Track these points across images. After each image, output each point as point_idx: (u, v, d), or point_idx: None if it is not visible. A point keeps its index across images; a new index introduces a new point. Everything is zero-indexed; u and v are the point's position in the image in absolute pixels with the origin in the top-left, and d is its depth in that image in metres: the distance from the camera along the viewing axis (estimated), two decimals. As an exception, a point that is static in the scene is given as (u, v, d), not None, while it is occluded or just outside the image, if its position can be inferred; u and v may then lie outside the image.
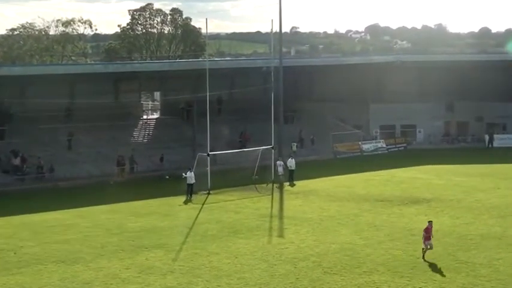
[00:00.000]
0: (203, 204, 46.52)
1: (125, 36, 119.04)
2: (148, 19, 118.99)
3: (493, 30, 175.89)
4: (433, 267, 30.31)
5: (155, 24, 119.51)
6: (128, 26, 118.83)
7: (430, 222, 32.86)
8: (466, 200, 45.43)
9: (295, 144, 67.45)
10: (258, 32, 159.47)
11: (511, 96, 74.09)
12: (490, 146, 73.60)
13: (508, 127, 75.46)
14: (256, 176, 52.80)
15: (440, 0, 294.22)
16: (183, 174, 49.22)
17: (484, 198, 45.80)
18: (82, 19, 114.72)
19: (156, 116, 75.92)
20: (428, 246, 31.49)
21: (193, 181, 49.11)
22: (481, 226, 37.80)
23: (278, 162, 53.56)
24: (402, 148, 73.50)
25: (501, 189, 49.54)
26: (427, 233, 32.05)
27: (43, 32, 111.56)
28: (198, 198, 48.57)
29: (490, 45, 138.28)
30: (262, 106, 59.37)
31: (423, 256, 31.21)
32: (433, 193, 48.12)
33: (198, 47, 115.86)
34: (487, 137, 74.35)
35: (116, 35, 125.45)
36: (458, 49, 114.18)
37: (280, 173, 52.91)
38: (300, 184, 52.92)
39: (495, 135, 74.32)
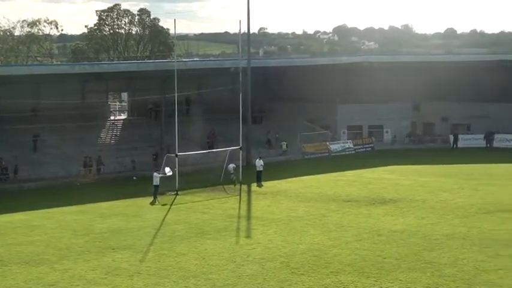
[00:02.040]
0: (171, 205, 46.39)
1: (92, 36, 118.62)
2: (115, 20, 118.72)
3: (458, 31, 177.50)
4: (399, 267, 30.45)
5: (123, 25, 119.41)
6: (95, 27, 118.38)
7: None
8: (431, 201, 45.73)
9: (285, 143, 67.85)
10: (226, 33, 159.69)
11: (475, 96, 74.79)
12: (454, 146, 74.25)
13: (472, 128, 76.11)
14: (234, 178, 52.84)
15: (406, 1, 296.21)
16: (166, 171, 49.14)
17: (448, 199, 46.16)
18: (48, 20, 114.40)
19: (123, 116, 75.62)
20: None
21: (158, 183, 48.63)
22: (445, 226, 38.04)
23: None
24: (369, 148, 73.85)
25: (465, 189, 49.92)
26: None
27: (8, 33, 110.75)
28: (165, 198, 48.41)
29: (455, 46, 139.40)
30: (230, 107, 59.44)
31: None
32: (399, 193, 48.39)
33: (166, 47, 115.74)
34: (452, 138, 74.98)
35: (82, 35, 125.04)
36: (425, 50, 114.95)
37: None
38: (267, 185, 52.94)
39: (460, 136, 74.91)
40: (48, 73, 64.42)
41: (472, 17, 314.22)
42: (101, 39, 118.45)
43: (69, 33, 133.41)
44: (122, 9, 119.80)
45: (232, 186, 51.93)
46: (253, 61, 66.38)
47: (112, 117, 73.48)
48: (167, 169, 49.02)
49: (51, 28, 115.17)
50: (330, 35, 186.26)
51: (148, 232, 38.27)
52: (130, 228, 39.82)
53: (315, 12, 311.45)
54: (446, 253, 32.44)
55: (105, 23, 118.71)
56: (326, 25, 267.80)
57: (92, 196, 49.91)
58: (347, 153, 71.83)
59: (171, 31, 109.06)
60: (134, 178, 55.64)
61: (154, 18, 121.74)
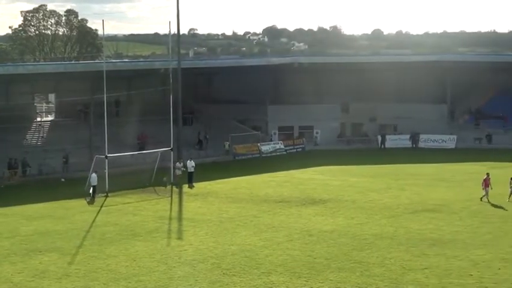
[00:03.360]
0: (101, 207, 45.96)
1: (17, 38, 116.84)
2: (41, 20, 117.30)
3: (385, 32, 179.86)
4: (329, 267, 30.80)
5: (49, 26, 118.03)
6: (20, 28, 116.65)
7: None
8: (360, 201, 46.33)
9: (227, 143, 68.00)
10: (156, 34, 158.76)
11: (402, 97, 75.98)
12: (382, 146, 75.21)
13: (399, 128, 77.28)
14: (165, 178, 52.66)
15: (334, 3, 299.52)
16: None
17: (376, 199, 46.82)
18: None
19: (50, 118, 74.61)
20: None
21: (96, 183, 48.90)
22: (374, 226, 38.60)
23: (177, 164, 53.53)
24: (300, 149, 74.33)
25: (392, 189, 50.67)
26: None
27: None
28: (95, 200, 48.03)
29: (382, 47, 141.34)
30: (161, 108, 59.14)
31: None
32: (329, 194, 48.88)
33: (95, 48, 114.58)
34: (379, 138, 75.99)
35: (6, 36, 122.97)
36: (353, 51, 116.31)
37: (178, 174, 52.88)
38: (199, 186, 52.89)
39: (387, 136, 75.98)
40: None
41: (397, 19, 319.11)
42: (26, 40, 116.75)
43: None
44: (48, 9, 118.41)
45: (163, 187, 51.75)
46: (183, 62, 66.05)
47: (38, 119, 72.40)
48: (93, 175, 48.81)
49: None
50: (260, 36, 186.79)
51: (77, 234, 37.89)
52: (58, 230, 39.34)
53: (245, 13, 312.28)
54: (375, 253, 32.95)
55: (31, 24, 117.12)
56: (256, 26, 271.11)
57: (18, 198, 49.24)
58: (278, 154, 72.16)
59: (100, 32, 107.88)
60: (62, 180, 54.96)
61: (82, 19, 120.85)
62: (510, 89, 76.82)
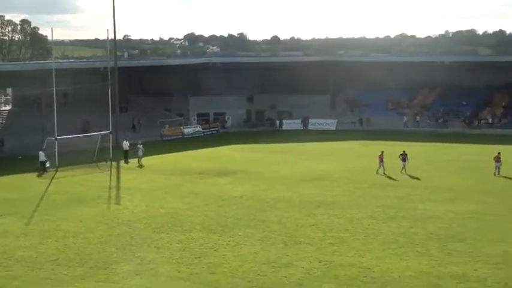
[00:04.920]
0: (52, 179, 45.03)
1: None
2: (0, 28, 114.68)
3: (281, 38, 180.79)
4: (238, 224, 31.01)
5: (6, 33, 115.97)
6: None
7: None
8: (263, 172, 46.70)
9: (167, 126, 66.99)
10: (97, 39, 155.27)
11: (295, 90, 76.60)
12: (280, 128, 75.73)
13: (294, 114, 77.92)
14: (111, 158, 51.77)
15: (241, 14, 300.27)
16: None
17: (276, 170, 47.28)
18: None
19: (8, 107, 72.73)
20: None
21: (44, 159, 48.19)
22: (273, 192, 39.02)
23: (138, 146, 52.37)
24: (215, 131, 74.26)
25: (288, 163, 51.24)
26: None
27: None
28: (47, 174, 47.02)
29: (279, 50, 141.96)
30: (101, 99, 58.06)
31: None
32: (238, 167, 49.11)
33: (45, 51, 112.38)
34: (278, 122, 76.55)
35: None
36: (256, 53, 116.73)
37: (139, 156, 51.74)
38: (133, 162, 52.37)
39: (284, 121, 76.57)
40: None
41: (291, 26, 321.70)
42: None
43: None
44: (5, 19, 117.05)
45: (104, 162, 50.97)
46: (119, 62, 65.53)
47: (-1, 108, 70.59)
48: (40, 152, 47.97)
49: None
50: (182, 41, 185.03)
51: (32, 201, 37.10)
52: (16, 198, 38.43)
53: (169, 22, 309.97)
54: (274, 213, 33.34)
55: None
56: (178, 33, 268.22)
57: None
58: (197, 135, 71.89)
59: (49, 38, 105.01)
60: (19, 157, 53.38)
61: (34, 27, 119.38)
62: (377, 83, 78.40)
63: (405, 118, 73.85)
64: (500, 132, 67.06)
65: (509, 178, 42.90)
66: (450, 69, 74.90)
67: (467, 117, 73.22)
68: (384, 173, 44.17)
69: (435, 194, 37.79)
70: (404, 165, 44.73)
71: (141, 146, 52.15)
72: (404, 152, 45.35)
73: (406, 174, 44.09)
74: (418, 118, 74.16)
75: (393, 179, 42.80)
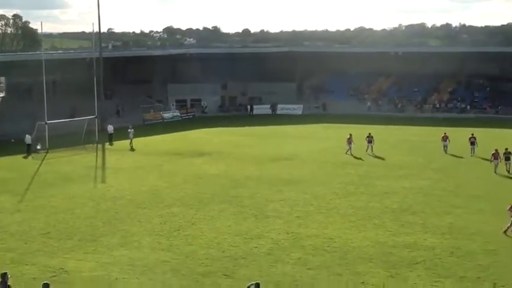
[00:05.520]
0: (43, 160, 44.57)
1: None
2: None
3: (252, 31, 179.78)
4: (213, 200, 31.07)
5: (0, 26, 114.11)
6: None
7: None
8: (236, 153, 46.73)
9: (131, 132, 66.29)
10: (83, 32, 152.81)
11: (265, 77, 76.32)
12: (251, 113, 75.48)
13: (263, 100, 77.65)
14: (97, 141, 51.13)
15: (214, 9, 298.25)
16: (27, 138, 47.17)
17: (247, 152, 47.30)
18: None
19: (2, 95, 71.52)
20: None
21: (30, 142, 47.78)
22: (246, 171, 39.11)
23: (129, 130, 51.61)
24: (192, 116, 73.85)
25: (259, 144, 51.22)
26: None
27: None
28: (38, 156, 46.43)
29: (249, 41, 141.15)
30: (87, 86, 57.32)
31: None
32: (213, 148, 49.05)
33: (36, 43, 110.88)
34: (249, 107, 76.34)
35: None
36: (229, 44, 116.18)
37: (130, 138, 50.93)
38: (117, 144, 51.98)
39: (254, 106, 76.38)
40: None
41: (261, 19, 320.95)
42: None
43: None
44: None
45: (90, 145, 50.47)
46: (104, 53, 64.95)
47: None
48: (27, 136, 47.46)
49: None
50: (161, 33, 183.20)
51: (25, 180, 36.76)
52: (10, 178, 38.03)
53: (150, 16, 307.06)
54: (246, 189, 33.46)
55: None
56: (158, 26, 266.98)
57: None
58: (176, 119, 71.38)
59: (39, 31, 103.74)
60: (12, 140, 52.60)
61: (25, 21, 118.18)
62: (339, 72, 78.63)
63: (369, 103, 74.21)
64: (447, 116, 67.93)
65: (455, 156, 43.54)
66: (403, 59, 75.55)
67: (418, 102, 73.94)
68: (351, 154, 44.15)
69: (391, 171, 38.23)
70: (370, 146, 44.95)
71: (132, 130, 51.61)
72: (370, 134, 45.73)
73: (372, 153, 44.39)
74: (380, 103, 74.57)
75: (357, 158, 43.15)
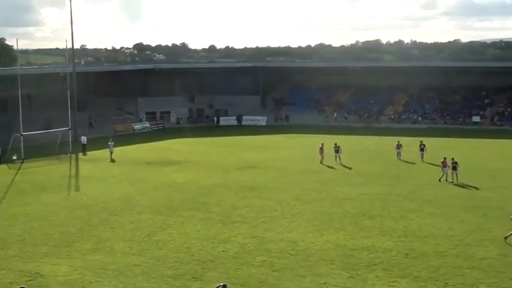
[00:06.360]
0: (18, 170, 43.72)
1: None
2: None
3: (218, 47, 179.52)
4: (182, 207, 30.86)
5: None
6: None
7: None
8: (204, 161, 46.55)
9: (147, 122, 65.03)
10: (57, 48, 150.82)
11: (230, 90, 76.30)
12: (218, 124, 75.23)
13: (229, 112, 77.42)
14: (70, 151, 50.25)
15: (182, 26, 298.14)
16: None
17: (215, 160, 47.17)
18: None
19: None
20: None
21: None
22: (213, 179, 38.94)
23: (109, 143, 50.64)
24: (161, 127, 73.35)
25: (225, 153, 51.09)
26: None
27: None
28: (14, 166, 45.49)
29: (216, 57, 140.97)
30: (61, 100, 56.51)
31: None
32: (182, 157, 48.76)
33: (12, 59, 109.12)
34: (215, 119, 76.09)
35: None
36: (196, 60, 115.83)
37: (111, 151, 49.53)
38: (90, 154, 51.32)
39: (221, 117, 76.18)
40: None
41: (227, 36, 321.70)
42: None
43: None
44: None
45: (64, 155, 49.65)
46: (77, 68, 64.18)
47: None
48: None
49: None
50: (131, 49, 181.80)
51: (1, 189, 35.97)
52: (-14, 188, 37.12)
53: (120, 33, 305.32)
54: (213, 196, 33.32)
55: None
56: (128, 42, 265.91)
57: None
58: (146, 131, 70.80)
59: (15, 47, 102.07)
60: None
61: (1, 38, 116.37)
62: (300, 85, 79.16)
63: (335, 114, 74.66)
64: (400, 126, 68.97)
65: (408, 162, 44.15)
66: (360, 72, 76.51)
67: (374, 114, 74.80)
68: (322, 163, 43.58)
69: (350, 178, 38.51)
70: (338, 156, 44.28)
71: (112, 142, 50.80)
72: (336, 144, 45.34)
73: (340, 163, 43.82)
74: (346, 115, 74.98)
75: (326, 166, 42.95)
